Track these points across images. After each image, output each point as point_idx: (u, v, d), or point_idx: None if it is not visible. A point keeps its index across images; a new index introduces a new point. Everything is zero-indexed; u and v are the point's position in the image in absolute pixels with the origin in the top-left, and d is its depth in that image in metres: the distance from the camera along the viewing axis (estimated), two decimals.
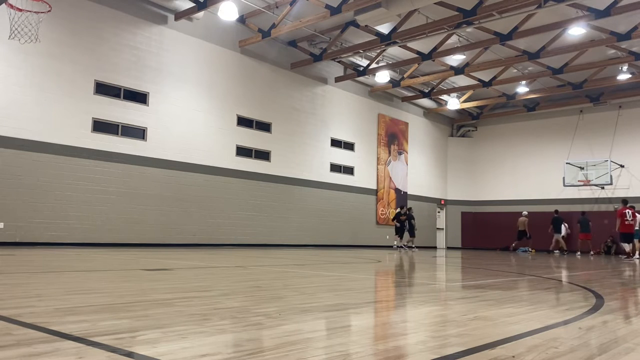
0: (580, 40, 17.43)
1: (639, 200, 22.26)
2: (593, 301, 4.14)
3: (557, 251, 20.86)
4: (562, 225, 21.72)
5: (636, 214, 16.72)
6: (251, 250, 13.76)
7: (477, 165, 26.99)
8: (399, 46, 18.17)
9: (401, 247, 19.58)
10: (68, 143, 12.87)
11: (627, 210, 16.35)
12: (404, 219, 19.62)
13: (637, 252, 16.49)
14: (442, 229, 26.69)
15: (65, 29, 12.96)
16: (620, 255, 16.55)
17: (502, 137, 26.36)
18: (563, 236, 21.67)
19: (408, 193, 24.16)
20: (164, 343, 2.16)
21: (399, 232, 19.74)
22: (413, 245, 20.07)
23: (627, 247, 16.39)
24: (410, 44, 18.13)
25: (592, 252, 20.40)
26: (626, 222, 16.18)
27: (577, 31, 16.66)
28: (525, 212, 22.47)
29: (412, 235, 19.94)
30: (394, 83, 21.29)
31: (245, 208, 16.76)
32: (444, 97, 24.02)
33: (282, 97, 18.35)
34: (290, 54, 18.65)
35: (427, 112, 25.60)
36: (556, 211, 21.77)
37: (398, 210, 20.47)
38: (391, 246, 20.25)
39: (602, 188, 22.93)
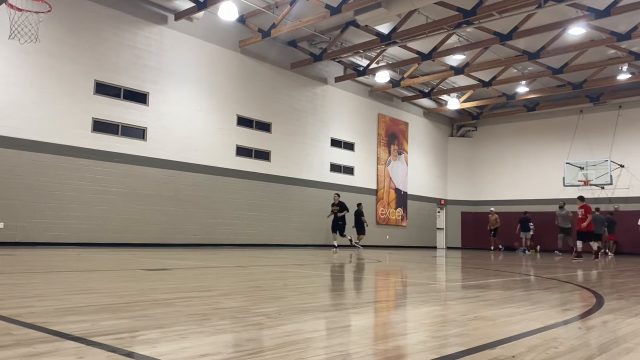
0: (580, 40, 17.43)
1: (639, 200, 22.30)
2: (593, 301, 4.14)
3: (523, 249, 22.01)
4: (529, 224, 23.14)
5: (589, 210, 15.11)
6: (251, 250, 13.76)
7: (477, 165, 26.99)
8: (399, 46, 18.17)
9: (347, 244, 16.96)
10: (68, 143, 12.87)
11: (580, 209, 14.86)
12: (336, 211, 16.69)
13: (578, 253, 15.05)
14: (442, 229, 26.69)
15: (65, 29, 12.96)
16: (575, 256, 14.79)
17: (502, 137, 26.35)
18: (532, 235, 22.96)
19: (408, 193, 24.17)
20: (164, 343, 2.16)
21: (335, 229, 16.77)
22: (358, 243, 18.12)
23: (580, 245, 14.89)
24: (410, 44, 18.13)
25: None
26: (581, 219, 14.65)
27: (577, 31, 16.66)
28: (492, 209, 23.48)
29: (360, 232, 18.12)
30: (394, 83, 21.30)
31: (245, 208, 16.76)
32: (444, 97, 24.02)
33: (282, 97, 18.35)
34: (290, 54, 18.65)
35: (427, 112, 25.60)
36: (525, 212, 23.01)
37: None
38: (350, 245, 17.89)
39: (602, 188, 22.93)
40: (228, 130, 16.51)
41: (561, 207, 18.51)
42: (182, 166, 15.19)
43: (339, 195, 17.16)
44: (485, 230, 23.47)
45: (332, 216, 16.82)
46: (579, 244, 14.71)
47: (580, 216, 14.64)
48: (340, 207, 16.72)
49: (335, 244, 16.73)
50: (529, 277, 6.99)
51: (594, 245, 14.72)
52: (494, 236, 22.84)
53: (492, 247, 23.04)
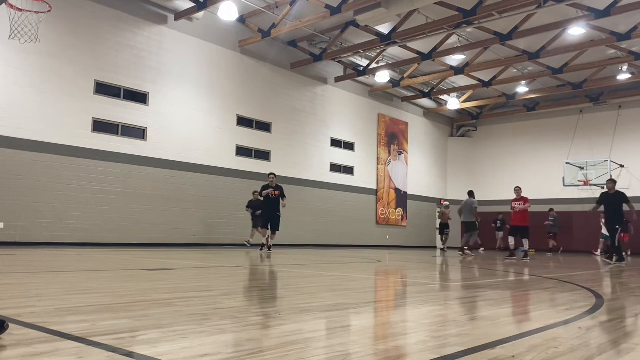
0: (580, 40, 17.43)
1: (639, 200, 22.29)
2: (593, 301, 4.14)
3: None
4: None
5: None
6: (251, 250, 13.75)
7: (477, 165, 26.98)
8: (399, 46, 18.17)
9: (264, 245, 12.77)
10: (68, 143, 12.87)
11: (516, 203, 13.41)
12: (276, 195, 12.23)
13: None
14: None
15: (65, 29, 12.96)
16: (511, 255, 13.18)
17: (502, 137, 26.35)
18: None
19: (408, 193, 24.16)
20: (164, 343, 2.16)
21: (267, 222, 12.42)
22: (250, 241, 15.10)
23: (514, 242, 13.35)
24: (410, 44, 18.13)
25: (594, 252, 20.34)
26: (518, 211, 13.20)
27: (577, 31, 16.66)
28: (447, 203, 20.49)
29: (263, 227, 13.04)
30: (394, 83, 21.30)
31: (245, 208, 16.73)
32: (444, 97, 24.02)
33: (282, 97, 18.35)
34: (290, 54, 18.65)
35: (427, 112, 25.60)
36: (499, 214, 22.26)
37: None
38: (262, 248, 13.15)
39: (602, 188, 22.90)
40: (228, 130, 16.51)
41: (467, 200, 14.99)
42: (182, 166, 15.19)
43: (275, 176, 12.58)
44: (486, 231, 23.37)
45: (262, 203, 12.46)
46: (512, 240, 13.18)
47: (517, 209, 13.10)
48: (281, 192, 12.32)
49: (262, 242, 12.74)
50: (529, 277, 6.99)
51: (526, 243, 13.08)
52: (444, 234, 19.28)
53: (442, 247, 19.58)
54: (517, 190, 13.56)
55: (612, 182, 12.03)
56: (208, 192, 15.77)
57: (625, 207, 11.71)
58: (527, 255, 13.15)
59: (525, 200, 13.31)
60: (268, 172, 13.38)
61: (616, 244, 11.73)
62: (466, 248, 14.35)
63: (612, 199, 11.75)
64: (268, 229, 12.37)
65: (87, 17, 13.37)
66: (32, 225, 12.14)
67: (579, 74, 20.40)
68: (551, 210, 21.25)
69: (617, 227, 11.73)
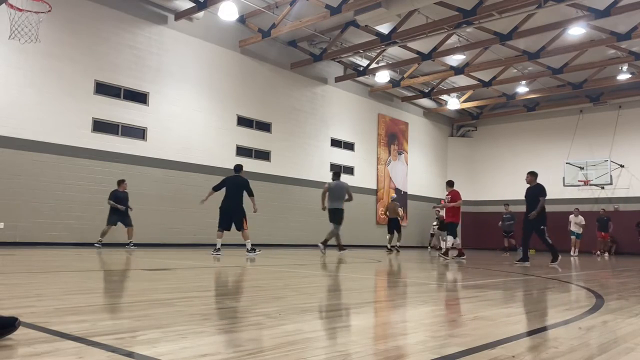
0: (580, 40, 17.43)
1: (639, 200, 22.30)
2: (593, 301, 4.14)
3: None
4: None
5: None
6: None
7: (477, 165, 26.98)
8: (399, 46, 18.17)
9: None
10: (68, 143, 12.86)
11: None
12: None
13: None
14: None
15: (65, 29, 12.96)
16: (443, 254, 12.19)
17: (502, 137, 26.35)
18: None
19: (408, 193, 24.16)
20: (164, 343, 2.16)
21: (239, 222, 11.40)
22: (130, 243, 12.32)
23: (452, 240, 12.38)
24: (410, 44, 18.13)
25: (595, 252, 20.35)
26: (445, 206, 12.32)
27: (577, 31, 16.65)
28: (394, 196, 18.84)
29: (111, 222, 12.11)
30: (394, 83, 21.29)
31: (245, 208, 16.69)
32: (444, 97, 24.02)
33: (282, 97, 18.35)
34: (290, 54, 18.65)
35: (427, 112, 25.60)
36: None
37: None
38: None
39: (602, 188, 22.92)
40: (228, 130, 16.51)
41: (338, 183, 12.68)
42: (182, 166, 15.19)
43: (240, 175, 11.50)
44: (486, 231, 23.36)
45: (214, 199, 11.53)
46: (450, 239, 12.33)
47: (446, 205, 12.32)
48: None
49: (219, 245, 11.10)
50: (529, 277, 6.99)
51: (450, 241, 12.25)
52: (397, 231, 16.75)
53: (389, 246, 16.45)
54: (448, 184, 12.44)
55: (531, 174, 10.61)
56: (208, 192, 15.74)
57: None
58: (456, 254, 12.09)
59: (453, 195, 12.07)
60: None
61: (549, 243, 10.23)
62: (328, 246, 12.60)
63: (529, 193, 10.46)
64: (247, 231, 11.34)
65: (87, 17, 13.37)
66: (32, 225, 12.13)
67: (579, 74, 20.40)
68: (506, 205, 20.15)
69: (542, 227, 10.21)
